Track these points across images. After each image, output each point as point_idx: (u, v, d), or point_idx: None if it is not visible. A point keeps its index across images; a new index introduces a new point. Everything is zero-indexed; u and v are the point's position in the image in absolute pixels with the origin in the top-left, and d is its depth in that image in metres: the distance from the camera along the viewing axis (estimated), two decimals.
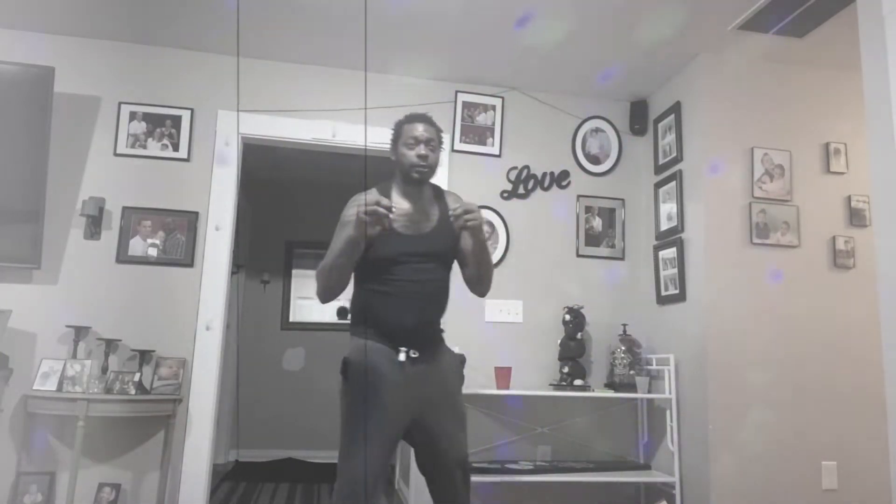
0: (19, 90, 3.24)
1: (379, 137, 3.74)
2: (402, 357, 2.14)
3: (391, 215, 1.99)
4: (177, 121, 3.57)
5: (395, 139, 2.27)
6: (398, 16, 3.21)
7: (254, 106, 3.65)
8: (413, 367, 2.16)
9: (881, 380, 2.37)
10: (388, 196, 2.19)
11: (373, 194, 2.07)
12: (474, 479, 3.25)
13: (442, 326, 2.32)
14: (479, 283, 2.34)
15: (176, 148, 3.55)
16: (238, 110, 3.60)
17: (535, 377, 3.67)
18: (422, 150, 2.19)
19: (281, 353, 6.11)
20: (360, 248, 2.07)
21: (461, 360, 2.37)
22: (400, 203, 2.20)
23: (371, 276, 2.20)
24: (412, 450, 3.68)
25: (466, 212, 2.04)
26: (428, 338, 2.24)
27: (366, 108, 3.76)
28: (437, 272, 2.25)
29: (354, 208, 2.06)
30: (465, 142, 3.86)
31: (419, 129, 2.22)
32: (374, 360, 2.12)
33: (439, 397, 2.23)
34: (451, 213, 2.08)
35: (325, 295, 2.17)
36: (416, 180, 2.22)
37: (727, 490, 3.16)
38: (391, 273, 2.17)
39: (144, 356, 3.25)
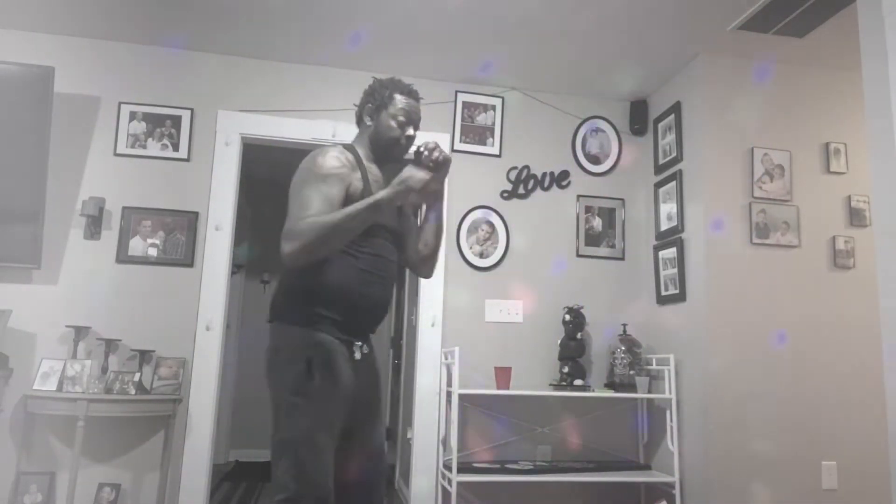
0: (19, 90, 3.23)
1: None
2: (357, 355, 1.89)
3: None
4: (177, 121, 3.56)
5: (380, 106, 1.99)
6: (398, 15, 3.21)
7: (254, 106, 3.65)
8: (361, 364, 1.91)
9: (881, 380, 2.37)
10: (357, 158, 1.95)
11: (430, 142, 1.82)
12: (474, 479, 3.27)
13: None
14: (433, 257, 2.07)
15: (176, 148, 3.55)
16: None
17: (535, 377, 3.67)
18: (411, 130, 1.99)
19: None
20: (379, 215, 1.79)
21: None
22: (373, 170, 1.99)
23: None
24: (412, 449, 3.69)
25: (437, 145, 1.87)
26: (375, 329, 2.00)
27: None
28: (395, 253, 2.03)
29: (334, 159, 1.85)
30: (465, 142, 3.86)
31: (415, 108, 2.01)
32: (336, 358, 1.83)
33: (374, 398, 1.99)
34: (421, 148, 1.87)
35: (311, 256, 1.74)
36: (394, 159, 2.01)
37: (727, 490, 3.16)
38: (365, 246, 1.89)
39: (144, 356, 3.25)
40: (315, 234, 1.71)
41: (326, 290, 1.84)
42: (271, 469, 1.80)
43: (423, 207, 2.08)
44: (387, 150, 2.00)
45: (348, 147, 1.98)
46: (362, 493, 1.91)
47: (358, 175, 1.90)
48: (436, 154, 1.86)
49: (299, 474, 1.73)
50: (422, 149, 1.88)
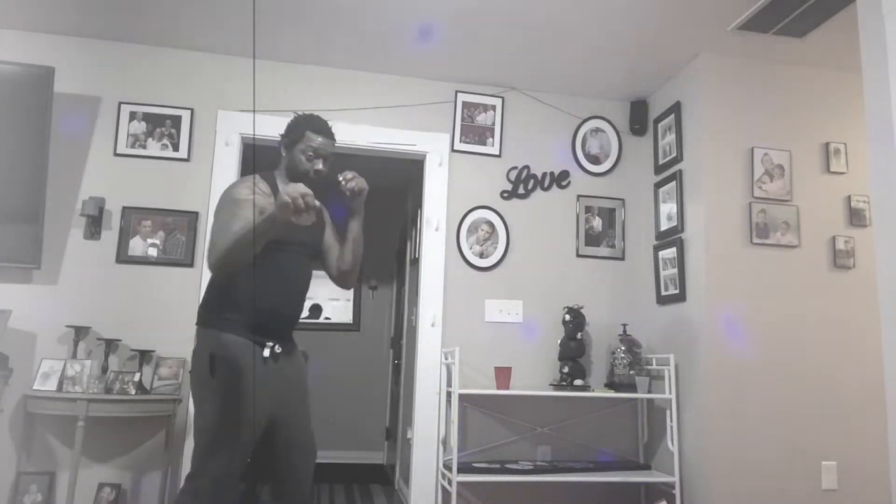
0: (19, 90, 3.24)
1: (377, 138, 3.75)
2: (266, 352, 2.11)
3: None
4: (177, 121, 3.57)
5: (293, 141, 2.21)
6: (398, 16, 3.21)
7: (254, 106, 3.65)
8: (275, 363, 2.14)
9: (881, 380, 2.37)
10: (273, 185, 2.18)
11: (300, 186, 1.87)
12: (474, 479, 3.27)
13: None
14: (352, 272, 2.32)
15: (176, 148, 3.55)
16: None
17: (535, 377, 3.67)
18: (319, 165, 2.19)
19: None
20: (275, 231, 1.93)
21: (305, 356, 2.35)
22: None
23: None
24: (412, 449, 3.69)
25: (354, 176, 2.14)
26: (291, 332, 2.25)
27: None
28: (309, 265, 2.27)
29: (246, 189, 2.05)
30: (465, 142, 3.86)
31: (322, 143, 2.20)
32: (241, 357, 2.05)
33: (296, 394, 2.22)
34: (340, 177, 2.13)
35: (224, 270, 2.00)
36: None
37: (727, 490, 3.16)
38: (272, 260, 2.09)
39: (144, 356, 3.25)
40: (224, 245, 1.94)
41: (236, 297, 2.09)
42: None
43: (348, 223, 2.29)
44: (298, 182, 2.14)
45: (266, 176, 2.20)
46: (288, 485, 2.14)
47: (270, 201, 2.06)
48: (351, 184, 2.14)
49: (202, 456, 2.01)
50: (340, 177, 2.14)
